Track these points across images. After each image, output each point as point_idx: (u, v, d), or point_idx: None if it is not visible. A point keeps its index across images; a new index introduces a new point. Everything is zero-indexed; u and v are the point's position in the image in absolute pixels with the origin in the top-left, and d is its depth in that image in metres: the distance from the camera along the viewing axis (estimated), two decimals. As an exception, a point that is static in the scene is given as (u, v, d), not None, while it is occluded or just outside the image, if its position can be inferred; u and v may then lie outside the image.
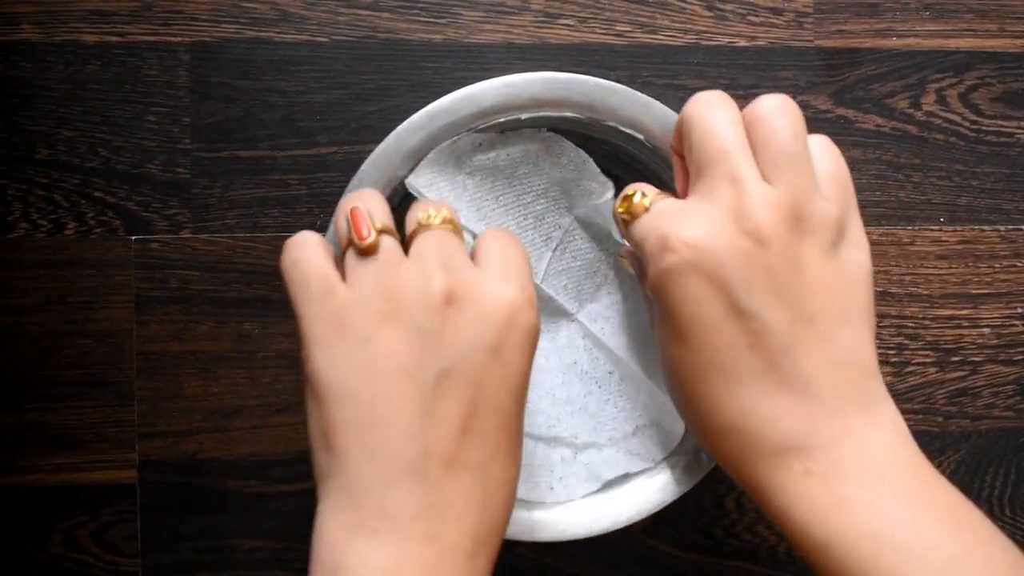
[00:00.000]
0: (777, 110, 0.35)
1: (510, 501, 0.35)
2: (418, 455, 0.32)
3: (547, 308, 0.47)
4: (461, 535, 0.32)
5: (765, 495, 0.35)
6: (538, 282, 0.46)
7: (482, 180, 0.44)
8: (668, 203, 0.36)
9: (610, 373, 0.47)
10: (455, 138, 0.42)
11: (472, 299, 0.34)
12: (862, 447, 0.34)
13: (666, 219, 0.35)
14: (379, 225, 0.35)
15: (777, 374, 0.34)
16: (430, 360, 0.33)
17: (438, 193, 0.42)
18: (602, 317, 0.48)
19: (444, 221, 0.36)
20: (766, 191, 0.33)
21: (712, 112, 0.35)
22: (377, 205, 0.36)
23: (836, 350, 0.34)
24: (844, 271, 0.35)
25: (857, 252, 0.35)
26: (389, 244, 0.35)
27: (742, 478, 0.36)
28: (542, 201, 0.46)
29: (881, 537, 0.32)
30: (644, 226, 0.36)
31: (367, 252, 0.35)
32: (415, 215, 0.37)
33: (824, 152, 0.36)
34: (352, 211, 0.36)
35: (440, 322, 0.33)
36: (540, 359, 0.47)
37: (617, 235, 0.45)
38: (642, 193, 0.37)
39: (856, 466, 0.33)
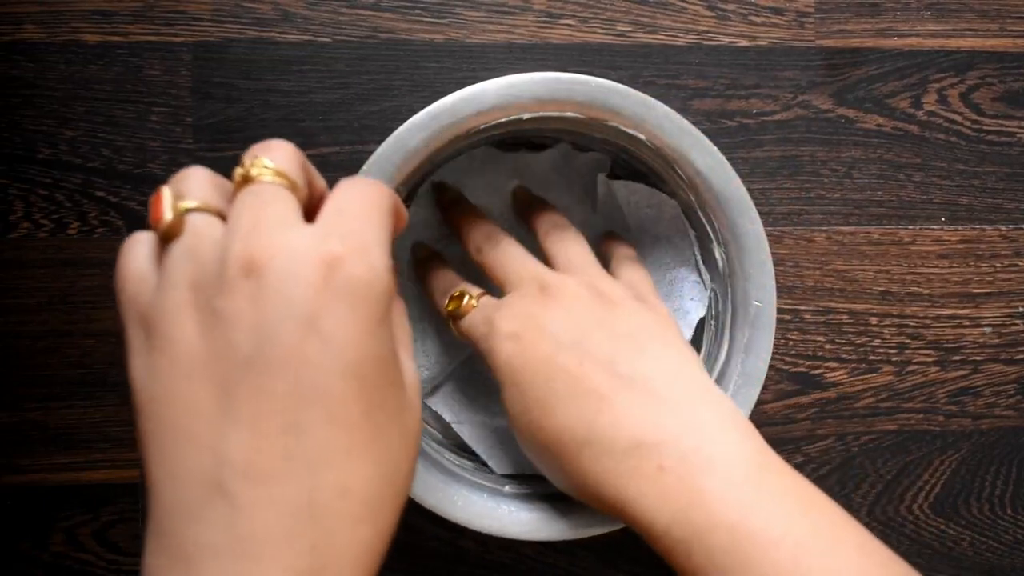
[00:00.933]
0: (574, 247, 0.43)
1: (366, 516, 0.27)
2: (215, 466, 0.26)
3: None
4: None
5: (627, 507, 0.35)
6: None
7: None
8: (488, 298, 0.41)
9: None
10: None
11: (273, 263, 0.27)
12: (708, 438, 0.35)
13: (491, 308, 0.40)
14: (187, 204, 0.29)
15: (612, 380, 0.36)
16: (228, 348, 0.26)
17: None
18: None
19: (273, 174, 0.30)
20: (567, 277, 0.40)
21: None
22: (196, 181, 0.31)
23: (661, 359, 0.38)
24: (649, 311, 0.40)
25: (659, 304, 0.42)
26: (198, 220, 0.29)
27: (604, 499, 0.36)
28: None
29: (736, 527, 0.32)
30: (474, 317, 0.40)
31: (168, 235, 0.29)
32: (244, 164, 0.31)
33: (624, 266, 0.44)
34: (154, 194, 0.30)
35: (238, 300, 0.26)
36: None
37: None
38: (468, 294, 0.41)
39: (705, 457, 0.34)
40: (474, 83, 0.41)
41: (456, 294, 0.42)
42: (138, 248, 0.30)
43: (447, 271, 0.45)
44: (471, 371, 0.49)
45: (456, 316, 0.41)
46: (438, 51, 0.49)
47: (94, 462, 0.48)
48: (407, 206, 0.48)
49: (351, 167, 0.48)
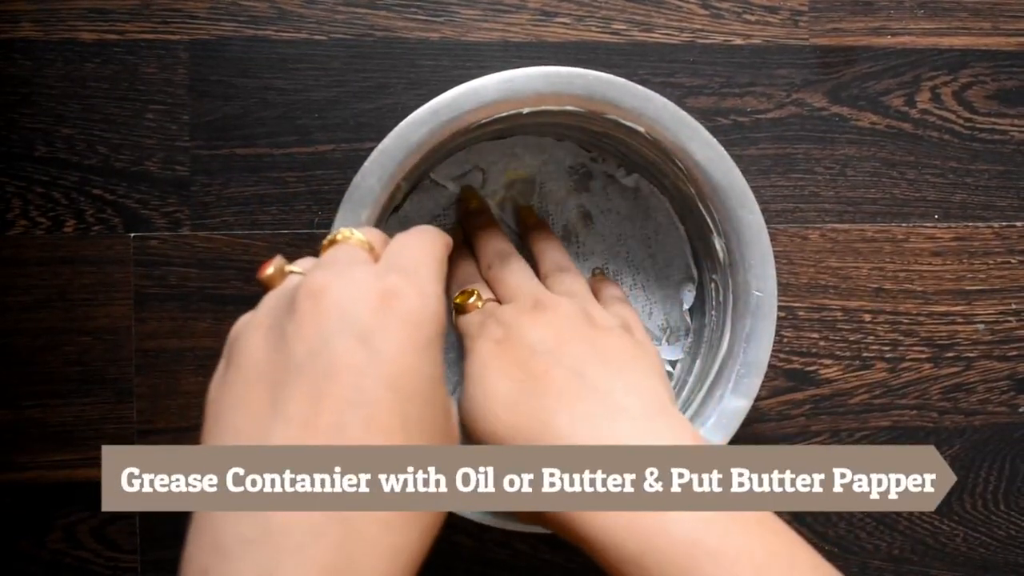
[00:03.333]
0: (569, 278, 0.45)
1: (395, 522, 0.28)
2: None
3: None
4: (302, 571, 0.26)
5: (575, 520, 0.33)
6: None
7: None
8: (492, 305, 0.43)
9: None
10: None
11: (335, 289, 0.30)
12: (655, 432, 0.35)
13: (488, 314, 0.41)
14: (290, 267, 0.34)
15: (576, 385, 0.36)
16: (285, 357, 0.29)
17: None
18: None
19: (359, 242, 0.34)
20: (562, 298, 0.41)
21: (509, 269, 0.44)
22: (306, 259, 0.35)
23: (630, 377, 0.38)
24: (633, 342, 0.40)
25: (645, 337, 0.43)
26: (294, 277, 0.33)
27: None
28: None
29: (695, 544, 0.31)
30: (473, 317, 0.42)
31: (267, 285, 0.33)
32: (333, 232, 0.35)
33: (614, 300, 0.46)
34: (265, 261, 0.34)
35: (301, 317, 0.29)
36: None
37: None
38: (477, 295, 0.43)
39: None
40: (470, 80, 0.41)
41: (468, 290, 0.43)
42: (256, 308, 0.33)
43: (471, 266, 0.46)
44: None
45: (459, 310, 0.43)
46: (434, 49, 0.49)
47: (92, 459, 0.48)
48: (408, 201, 0.48)
49: (347, 164, 0.48)
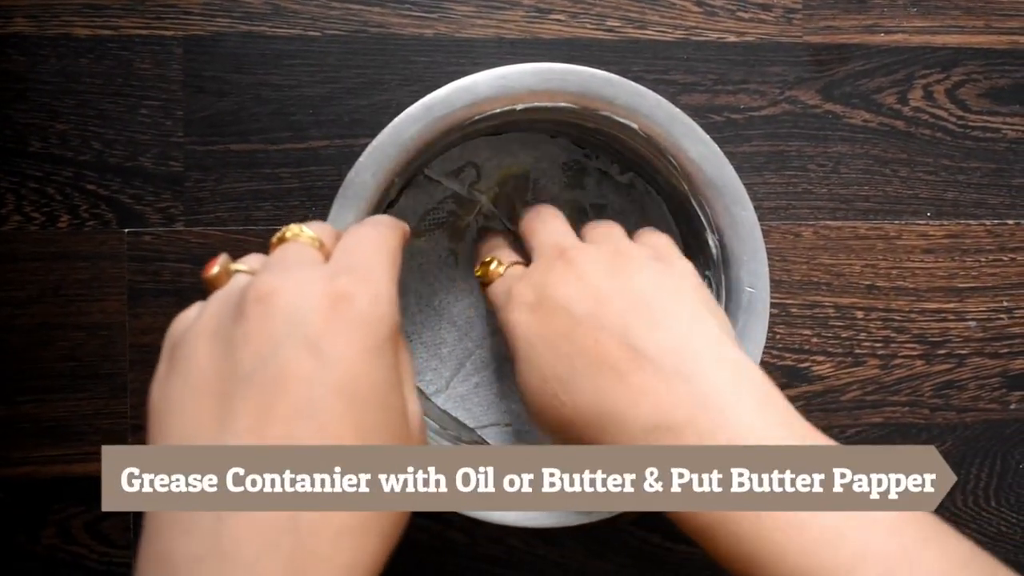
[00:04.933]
0: (605, 224, 0.42)
1: (348, 531, 0.28)
2: None
3: None
4: None
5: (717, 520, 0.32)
6: None
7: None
8: (517, 268, 0.41)
9: None
10: None
11: (283, 293, 0.29)
12: (726, 418, 0.33)
13: (514, 278, 0.39)
14: (236, 266, 0.33)
15: (628, 355, 0.34)
16: (232, 366, 0.28)
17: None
18: None
19: (309, 239, 0.33)
20: (589, 246, 0.39)
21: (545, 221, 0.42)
22: (253, 257, 0.34)
23: (675, 328, 0.36)
24: (669, 275, 0.38)
25: (681, 263, 0.40)
26: (240, 277, 0.32)
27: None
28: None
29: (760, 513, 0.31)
30: (498, 286, 0.40)
31: (212, 285, 0.32)
32: (282, 229, 0.34)
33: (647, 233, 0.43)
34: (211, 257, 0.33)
35: (248, 323, 0.28)
36: None
37: None
38: (498, 261, 0.42)
39: (729, 437, 0.32)
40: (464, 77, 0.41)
41: (487, 260, 0.42)
42: (193, 305, 0.32)
43: (496, 238, 0.45)
44: (491, 374, 0.50)
45: (484, 282, 0.42)
46: (428, 45, 0.49)
47: (86, 455, 0.48)
48: (402, 197, 0.48)
49: (342, 160, 0.49)
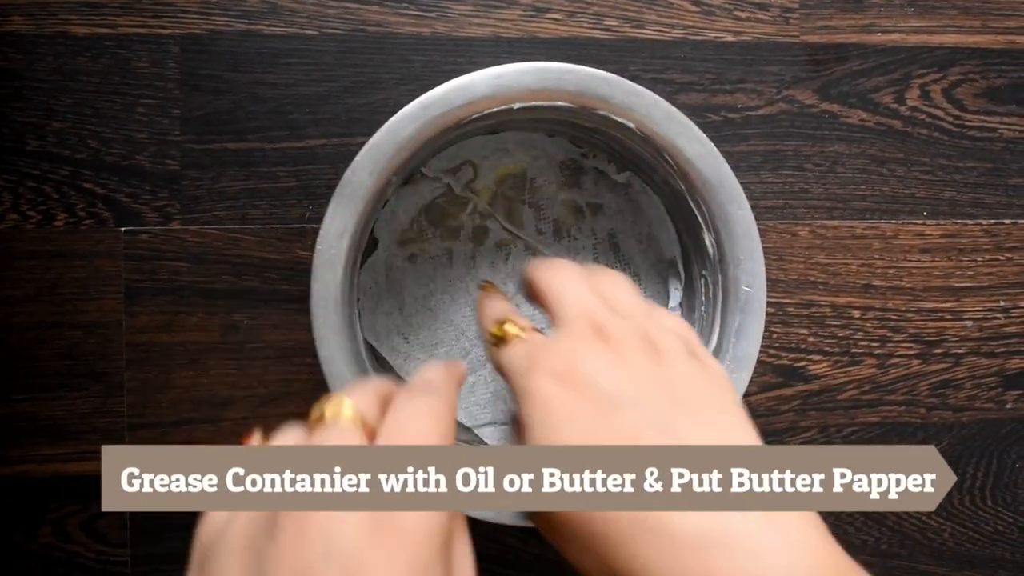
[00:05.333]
0: (620, 280, 0.38)
1: None
2: None
3: None
4: None
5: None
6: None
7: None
8: (537, 335, 0.37)
9: None
10: None
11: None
12: (784, 538, 0.30)
13: (537, 344, 0.35)
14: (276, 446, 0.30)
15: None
16: None
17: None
18: None
19: (350, 422, 0.30)
20: (621, 321, 0.35)
21: (562, 280, 0.37)
22: (290, 430, 0.30)
23: (718, 432, 0.33)
24: (704, 371, 0.35)
25: (711, 360, 0.36)
26: None
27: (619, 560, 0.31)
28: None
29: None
30: (516, 349, 0.36)
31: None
32: (321, 404, 0.30)
33: (666, 314, 0.38)
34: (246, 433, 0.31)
35: (282, 543, 0.26)
36: None
37: None
38: (516, 324, 0.37)
39: (785, 563, 0.30)
40: (461, 76, 0.41)
41: (504, 320, 0.38)
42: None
43: (503, 299, 0.41)
44: (488, 373, 0.50)
45: (498, 344, 0.37)
46: (425, 44, 0.49)
47: (82, 453, 0.48)
48: (398, 195, 0.48)
49: (338, 159, 0.49)
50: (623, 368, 0.33)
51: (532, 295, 0.39)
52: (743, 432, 0.33)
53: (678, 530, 0.30)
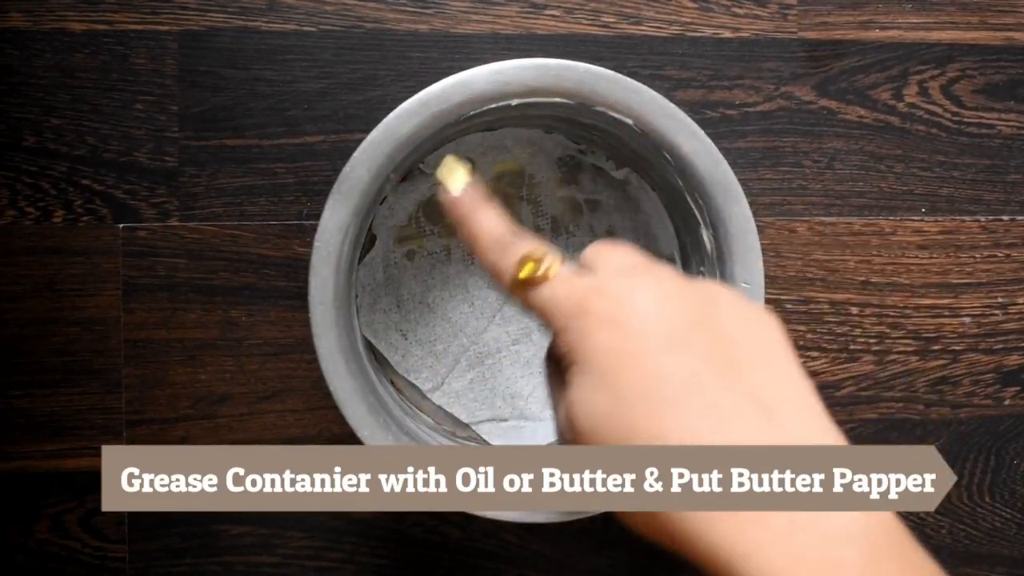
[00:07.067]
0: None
1: None
2: None
3: None
4: None
5: (736, 562, 0.29)
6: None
7: None
8: (573, 267, 0.34)
9: None
10: None
11: None
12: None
13: (580, 282, 0.33)
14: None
15: (732, 398, 0.30)
16: None
17: None
18: None
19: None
20: (672, 271, 0.34)
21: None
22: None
23: (775, 378, 0.32)
24: (765, 319, 0.34)
25: (761, 305, 0.35)
26: None
27: (700, 542, 0.30)
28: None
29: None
30: (558, 290, 0.33)
31: None
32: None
33: None
34: None
35: None
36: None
37: None
38: (550, 258, 0.34)
39: (844, 522, 0.29)
40: (459, 72, 0.41)
41: (534, 255, 0.34)
42: None
43: (503, 218, 0.36)
44: (485, 369, 0.50)
45: (530, 284, 0.34)
46: (423, 41, 0.49)
47: (79, 449, 0.48)
48: (396, 191, 0.48)
49: (336, 156, 0.49)
50: (671, 305, 0.32)
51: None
52: (793, 380, 0.32)
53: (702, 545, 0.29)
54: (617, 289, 0.32)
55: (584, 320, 0.32)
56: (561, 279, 0.33)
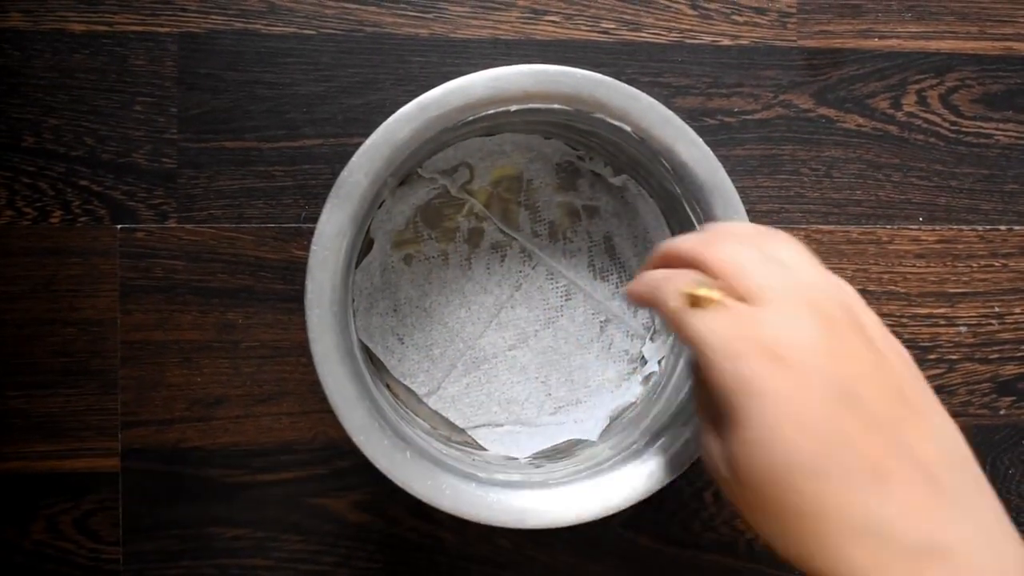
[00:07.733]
0: (792, 244, 0.36)
1: None
2: None
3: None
4: None
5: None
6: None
7: None
8: (735, 300, 0.33)
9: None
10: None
11: None
12: (998, 552, 0.30)
13: (746, 314, 0.32)
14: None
15: (897, 458, 0.30)
16: None
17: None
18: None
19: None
20: (820, 294, 0.33)
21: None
22: None
23: (937, 432, 0.31)
24: (906, 361, 0.33)
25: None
26: None
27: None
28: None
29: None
30: (719, 322, 0.32)
31: None
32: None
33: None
34: None
35: None
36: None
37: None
38: (711, 287, 0.33)
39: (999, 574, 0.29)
40: (458, 77, 0.41)
41: (699, 283, 0.33)
42: None
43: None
44: (482, 374, 0.50)
45: (692, 306, 0.33)
46: (423, 45, 0.49)
47: (76, 451, 0.48)
48: (394, 196, 0.48)
49: (335, 159, 0.49)
50: (843, 351, 0.31)
51: (695, 268, 0.35)
52: (949, 433, 0.32)
53: (899, 534, 0.29)
54: (781, 323, 0.32)
55: (750, 359, 0.31)
56: (726, 311, 0.32)
